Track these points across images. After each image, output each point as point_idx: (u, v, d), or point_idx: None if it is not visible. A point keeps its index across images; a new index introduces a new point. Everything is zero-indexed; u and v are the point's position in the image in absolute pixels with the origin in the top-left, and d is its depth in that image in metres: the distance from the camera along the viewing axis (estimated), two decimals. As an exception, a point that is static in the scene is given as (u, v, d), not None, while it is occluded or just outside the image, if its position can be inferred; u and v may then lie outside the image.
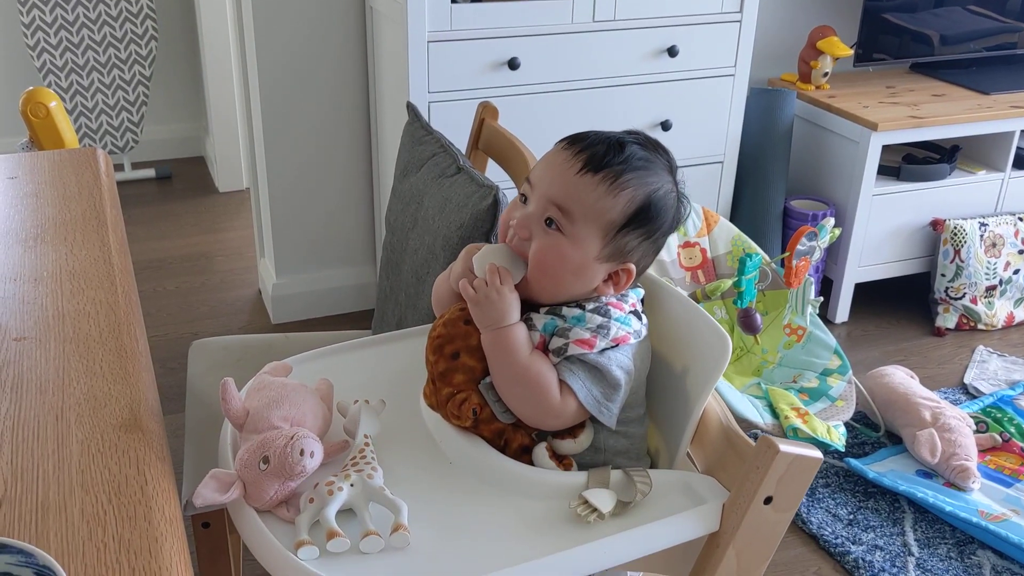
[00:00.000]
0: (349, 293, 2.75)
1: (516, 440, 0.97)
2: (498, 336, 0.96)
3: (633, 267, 1.00)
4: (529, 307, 1.00)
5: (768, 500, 0.87)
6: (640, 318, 1.02)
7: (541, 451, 0.97)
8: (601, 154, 0.98)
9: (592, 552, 0.84)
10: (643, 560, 0.91)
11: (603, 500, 0.89)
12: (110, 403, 0.93)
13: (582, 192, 0.97)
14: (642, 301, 1.05)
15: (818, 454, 0.87)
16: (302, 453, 0.86)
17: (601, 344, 0.97)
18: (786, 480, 0.86)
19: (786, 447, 0.85)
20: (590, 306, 0.99)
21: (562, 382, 0.96)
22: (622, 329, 0.98)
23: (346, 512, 0.86)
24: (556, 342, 0.98)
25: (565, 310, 0.99)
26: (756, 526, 0.88)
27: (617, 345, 0.98)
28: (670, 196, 1.01)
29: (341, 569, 0.81)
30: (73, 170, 1.50)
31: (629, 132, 1.03)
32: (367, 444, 0.92)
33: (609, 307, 0.99)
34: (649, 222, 0.99)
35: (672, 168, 1.03)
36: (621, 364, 0.97)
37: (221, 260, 3.13)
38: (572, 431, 0.98)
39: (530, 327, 0.98)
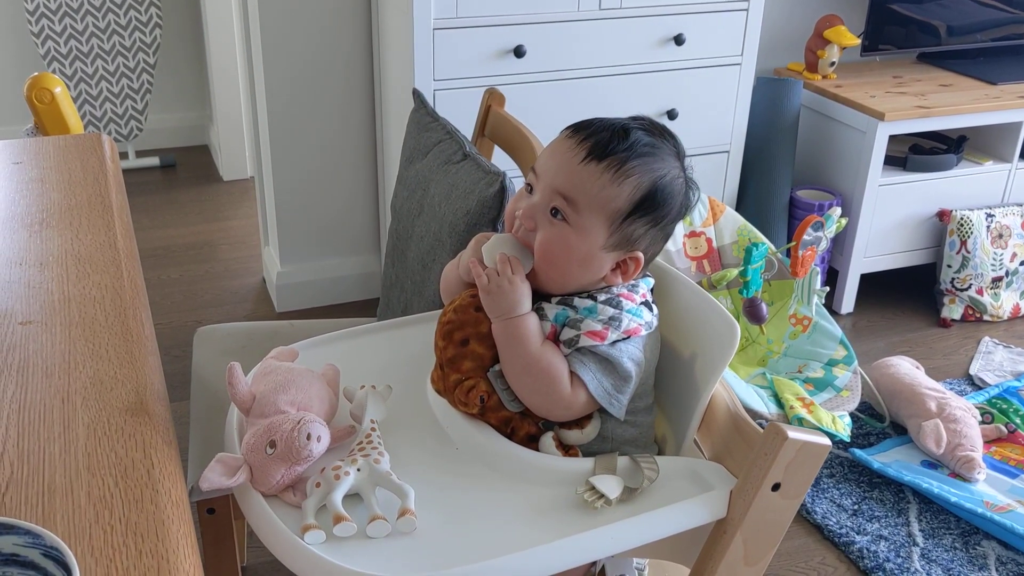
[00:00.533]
0: (354, 282, 2.75)
1: (523, 429, 0.97)
2: (509, 326, 0.96)
3: (641, 255, 1.00)
4: (540, 296, 1.00)
5: (776, 487, 0.86)
6: (651, 309, 1.01)
7: (547, 440, 0.97)
8: (605, 141, 0.97)
9: (599, 538, 0.84)
10: (650, 546, 0.91)
11: (610, 486, 0.89)
12: (116, 387, 0.92)
13: (586, 181, 0.96)
14: (652, 291, 1.04)
15: (826, 441, 0.86)
16: (309, 437, 0.86)
17: (613, 336, 0.96)
18: (794, 467, 0.86)
19: (795, 434, 0.84)
20: (602, 297, 0.98)
21: (573, 373, 0.96)
22: (634, 321, 0.98)
23: (353, 497, 0.86)
24: (567, 333, 0.97)
25: (577, 301, 0.98)
26: (763, 513, 0.87)
27: (628, 337, 0.97)
28: (677, 182, 0.99)
29: (347, 553, 0.80)
30: (78, 155, 1.49)
31: (635, 118, 1.02)
32: (373, 429, 0.92)
33: (621, 298, 0.99)
34: (656, 209, 0.98)
35: (679, 154, 1.01)
36: (632, 356, 0.97)
37: (225, 248, 3.13)
38: (579, 421, 0.98)
39: (541, 317, 0.98)
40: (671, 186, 0.99)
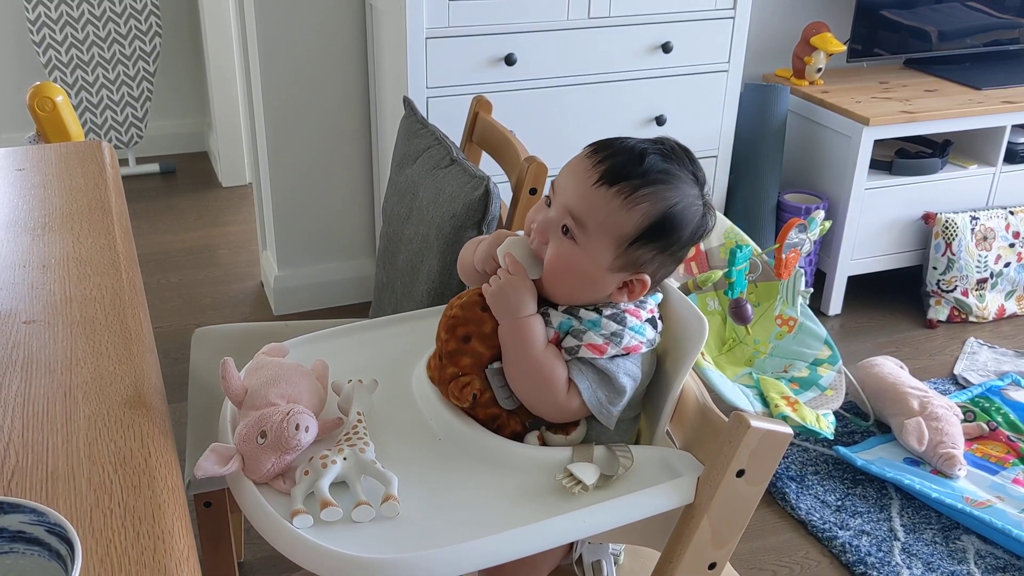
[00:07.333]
0: (350, 285, 2.79)
1: (509, 426, 1.01)
2: (516, 326, 0.99)
3: (648, 278, 1.01)
4: (547, 303, 1.03)
5: (740, 473, 0.91)
6: (656, 326, 1.03)
7: (532, 439, 1.01)
8: (619, 166, 0.97)
9: (572, 521, 0.89)
10: (623, 531, 0.95)
11: (587, 473, 0.93)
12: (115, 382, 0.97)
13: (596, 204, 0.97)
14: (659, 305, 1.06)
15: (788, 430, 0.91)
16: (297, 428, 0.91)
17: (612, 351, 0.99)
18: (757, 454, 0.90)
19: (757, 423, 0.89)
20: (607, 311, 1.00)
21: (570, 379, 0.99)
22: (635, 338, 1.00)
23: (339, 484, 0.91)
24: (569, 342, 1.00)
25: (582, 312, 1.01)
26: (729, 498, 0.92)
27: (628, 353, 1.00)
28: (690, 210, 0.99)
29: (334, 537, 0.85)
30: (79, 162, 1.54)
31: (656, 141, 1.01)
32: (360, 421, 0.97)
33: (626, 314, 1.01)
34: (664, 236, 0.98)
35: (698, 179, 1.01)
36: (629, 372, 1.00)
37: (224, 253, 3.18)
38: (565, 427, 1.02)
39: (546, 323, 1.01)
40: (683, 214, 0.99)
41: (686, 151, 1.01)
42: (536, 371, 0.98)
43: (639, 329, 1.00)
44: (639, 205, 0.96)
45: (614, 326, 0.99)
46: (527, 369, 0.99)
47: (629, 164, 0.97)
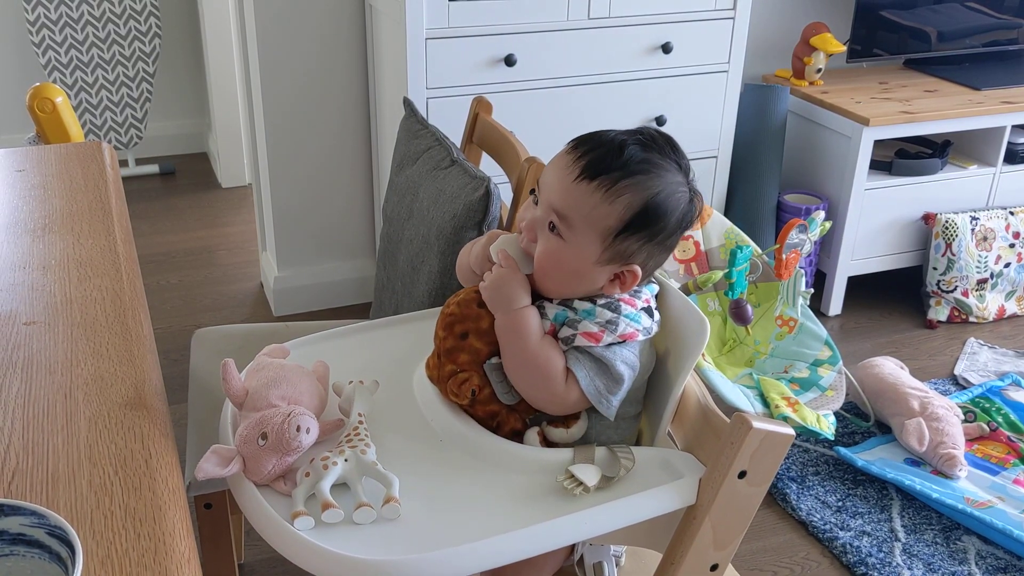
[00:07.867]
0: (350, 286, 2.79)
1: (508, 423, 1.02)
2: (511, 319, 0.99)
3: (638, 268, 1.01)
4: (543, 296, 1.03)
5: (742, 474, 0.91)
6: (652, 315, 1.03)
7: (532, 436, 1.01)
8: (598, 160, 0.98)
9: (574, 522, 0.88)
10: (624, 532, 0.95)
11: (589, 474, 0.93)
12: (116, 383, 0.97)
13: (578, 199, 0.98)
14: (656, 296, 1.06)
15: (790, 431, 0.91)
16: (298, 429, 0.90)
17: (608, 339, 0.99)
18: (759, 455, 0.90)
19: (759, 424, 0.89)
20: (601, 301, 1.01)
21: (568, 369, 1.00)
22: (631, 326, 1.00)
23: (340, 486, 0.90)
24: (565, 332, 1.01)
25: (576, 303, 1.02)
26: (731, 499, 0.92)
27: (624, 341, 1.00)
28: (673, 198, 0.99)
29: (335, 538, 0.85)
30: (79, 163, 1.54)
31: (636, 131, 1.01)
32: (361, 422, 0.96)
33: (621, 303, 1.01)
34: (649, 226, 0.99)
35: (682, 167, 1.01)
36: (626, 360, 1.00)
37: (223, 254, 3.17)
38: (565, 420, 1.02)
39: (542, 315, 1.01)
40: (666, 203, 0.99)
41: (668, 140, 1.02)
42: (533, 362, 0.99)
43: (634, 317, 1.01)
44: (621, 197, 0.97)
45: (608, 314, 1.00)
46: (524, 360, 0.99)
47: (608, 156, 0.98)
